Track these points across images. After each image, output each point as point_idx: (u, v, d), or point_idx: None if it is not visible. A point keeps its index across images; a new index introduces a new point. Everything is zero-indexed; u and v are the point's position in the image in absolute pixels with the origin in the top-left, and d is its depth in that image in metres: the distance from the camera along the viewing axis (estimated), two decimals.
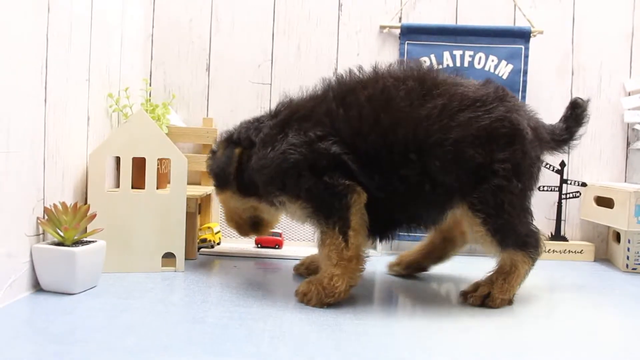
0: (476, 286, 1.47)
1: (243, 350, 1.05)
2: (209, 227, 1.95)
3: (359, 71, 1.46)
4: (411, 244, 2.00)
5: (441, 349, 1.12)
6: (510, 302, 1.45)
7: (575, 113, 1.60)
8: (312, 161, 1.36)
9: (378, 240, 1.53)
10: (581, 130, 1.60)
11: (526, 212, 1.45)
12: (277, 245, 1.98)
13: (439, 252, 1.70)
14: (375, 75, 1.44)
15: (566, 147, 1.60)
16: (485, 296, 1.43)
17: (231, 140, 1.58)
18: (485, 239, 1.40)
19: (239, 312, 1.29)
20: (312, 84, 1.50)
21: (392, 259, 1.77)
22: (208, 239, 1.93)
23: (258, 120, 1.55)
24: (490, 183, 1.36)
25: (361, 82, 1.43)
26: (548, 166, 2.06)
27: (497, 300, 1.42)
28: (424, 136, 1.35)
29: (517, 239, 1.42)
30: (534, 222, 1.47)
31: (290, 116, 1.45)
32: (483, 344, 1.15)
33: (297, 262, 1.73)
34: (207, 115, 2.13)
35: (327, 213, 1.36)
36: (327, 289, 1.35)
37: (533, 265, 1.47)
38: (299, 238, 2.06)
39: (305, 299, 1.38)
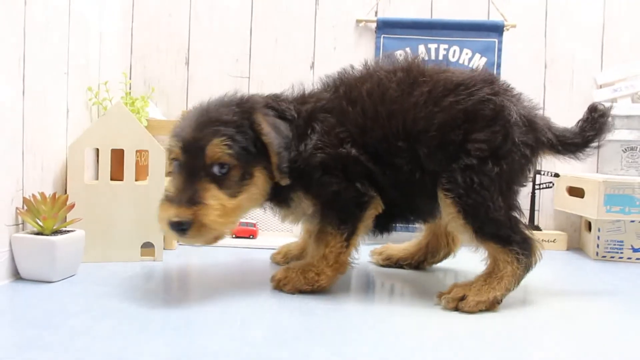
0: (453, 287, 1.36)
1: (215, 332, 1.08)
2: None
3: (352, 68, 1.46)
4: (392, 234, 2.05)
5: (413, 334, 1.16)
6: (489, 304, 1.31)
7: (592, 117, 1.47)
8: (343, 164, 1.35)
9: (378, 235, 1.53)
10: (597, 138, 1.47)
11: (509, 204, 1.36)
12: (252, 235, 2.01)
13: (421, 256, 1.70)
14: (368, 70, 1.44)
15: (579, 154, 1.47)
16: (461, 299, 1.31)
17: (275, 111, 1.41)
18: (458, 222, 1.34)
19: (213, 298, 1.32)
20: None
21: (369, 248, 1.80)
22: None
23: (291, 101, 1.45)
24: (459, 162, 1.33)
25: (360, 78, 1.42)
26: None
27: (470, 302, 1.29)
28: (412, 124, 1.35)
29: (496, 230, 1.33)
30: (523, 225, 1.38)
31: (314, 109, 1.40)
32: (454, 331, 1.18)
33: (273, 251, 1.76)
34: (187, 108, 2.16)
35: (344, 219, 1.37)
36: (308, 280, 1.38)
37: (522, 269, 1.34)
38: (273, 228, 2.10)
39: (281, 283, 1.40)
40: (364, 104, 1.37)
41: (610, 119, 1.47)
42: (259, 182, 1.35)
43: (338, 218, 1.38)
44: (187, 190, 1.26)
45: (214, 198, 1.27)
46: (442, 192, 1.34)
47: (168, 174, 1.42)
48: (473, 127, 1.34)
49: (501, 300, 1.32)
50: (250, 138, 1.32)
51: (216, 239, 1.31)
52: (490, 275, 1.34)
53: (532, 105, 1.44)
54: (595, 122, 1.46)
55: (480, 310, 1.29)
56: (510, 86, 1.44)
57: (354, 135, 1.36)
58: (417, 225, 1.66)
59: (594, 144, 1.47)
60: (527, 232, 1.37)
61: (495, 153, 1.33)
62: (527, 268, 1.36)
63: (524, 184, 1.43)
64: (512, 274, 1.33)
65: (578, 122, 1.49)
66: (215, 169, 1.28)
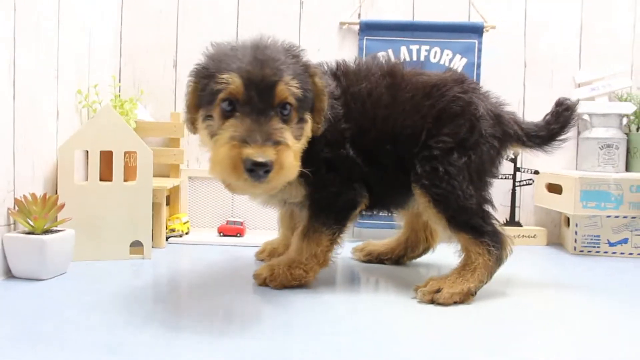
0: (429, 281, 1.40)
1: (198, 325, 1.14)
2: (177, 218, 2.03)
3: (345, 62, 1.48)
4: (373, 232, 2.12)
5: (390, 325, 1.21)
6: (463, 296, 1.34)
7: (557, 111, 1.52)
8: (344, 165, 1.39)
9: None
10: (563, 131, 1.51)
11: (480, 195, 1.41)
12: (239, 233, 2.06)
13: (401, 251, 1.75)
14: (361, 68, 1.46)
15: (546, 147, 1.52)
16: (436, 292, 1.34)
17: None
18: (431, 212, 1.39)
19: (198, 293, 1.37)
20: None
21: (352, 244, 1.86)
22: (177, 229, 2.00)
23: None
24: (422, 153, 1.39)
25: (358, 74, 1.44)
26: None
27: (445, 295, 1.33)
28: (400, 129, 1.41)
29: (468, 218, 1.38)
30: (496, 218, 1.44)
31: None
32: (436, 323, 1.23)
33: (257, 249, 1.80)
34: (175, 110, 2.20)
35: (338, 219, 1.43)
36: (295, 276, 1.43)
37: (494, 261, 1.38)
38: (260, 227, 2.17)
39: (267, 280, 1.44)
40: (364, 104, 1.41)
41: (575, 113, 1.52)
42: (308, 129, 1.29)
43: (333, 218, 1.43)
44: (261, 129, 1.14)
45: (290, 139, 1.18)
46: (412, 183, 1.41)
47: (207, 117, 1.24)
48: (442, 123, 1.41)
49: (475, 292, 1.37)
50: (308, 82, 1.26)
51: (276, 187, 1.23)
52: (463, 268, 1.39)
53: (499, 101, 1.50)
54: (559, 116, 1.52)
55: (455, 302, 1.34)
56: (479, 84, 1.51)
57: (354, 134, 1.40)
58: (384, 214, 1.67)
59: (560, 137, 1.52)
60: (497, 226, 1.42)
61: (461, 144, 1.39)
62: (499, 261, 1.40)
63: (496, 174, 1.49)
64: (484, 265, 1.37)
65: (545, 116, 1.55)
66: (280, 110, 1.19)
